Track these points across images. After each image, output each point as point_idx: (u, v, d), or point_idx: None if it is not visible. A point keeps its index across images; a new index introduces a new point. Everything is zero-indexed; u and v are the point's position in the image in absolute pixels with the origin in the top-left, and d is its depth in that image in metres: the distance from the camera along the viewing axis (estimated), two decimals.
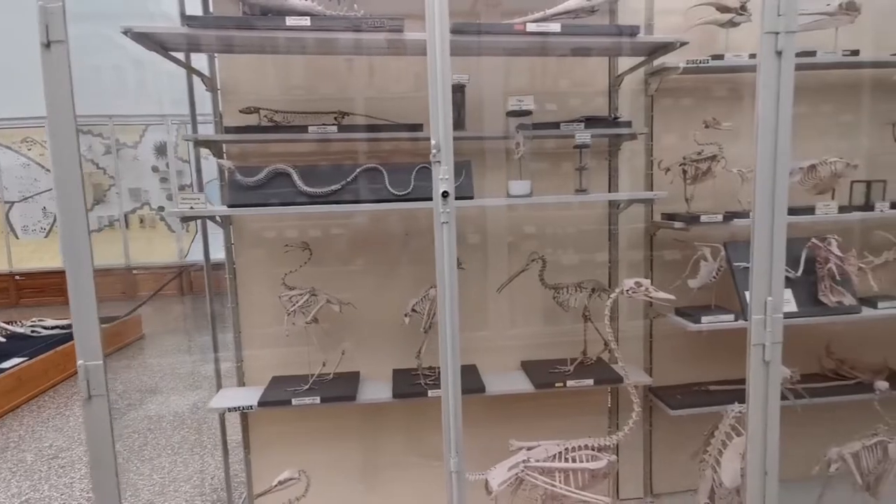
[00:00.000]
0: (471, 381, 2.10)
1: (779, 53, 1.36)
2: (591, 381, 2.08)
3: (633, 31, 1.72)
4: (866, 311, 2.09)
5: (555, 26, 1.62)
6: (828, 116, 2.33)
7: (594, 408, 2.40)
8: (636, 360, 2.36)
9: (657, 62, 2.10)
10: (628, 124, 2.07)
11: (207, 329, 2.20)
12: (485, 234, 2.24)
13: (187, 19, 1.55)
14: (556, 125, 2.02)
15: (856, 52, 2.10)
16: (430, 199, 1.83)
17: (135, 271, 7.64)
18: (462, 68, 2.04)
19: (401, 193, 1.81)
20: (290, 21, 1.52)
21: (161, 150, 7.68)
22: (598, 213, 2.30)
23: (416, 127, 1.96)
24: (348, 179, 1.80)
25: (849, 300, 2.01)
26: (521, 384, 2.10)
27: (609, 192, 2.28)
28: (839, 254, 1.98)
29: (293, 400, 1.95)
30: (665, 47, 1.83)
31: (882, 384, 1.91)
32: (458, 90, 1.99)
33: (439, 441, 2.25)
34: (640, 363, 2.37)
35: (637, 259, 2.32)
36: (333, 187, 1.78)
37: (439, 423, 2.20)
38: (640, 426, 2.39)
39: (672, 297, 1.85)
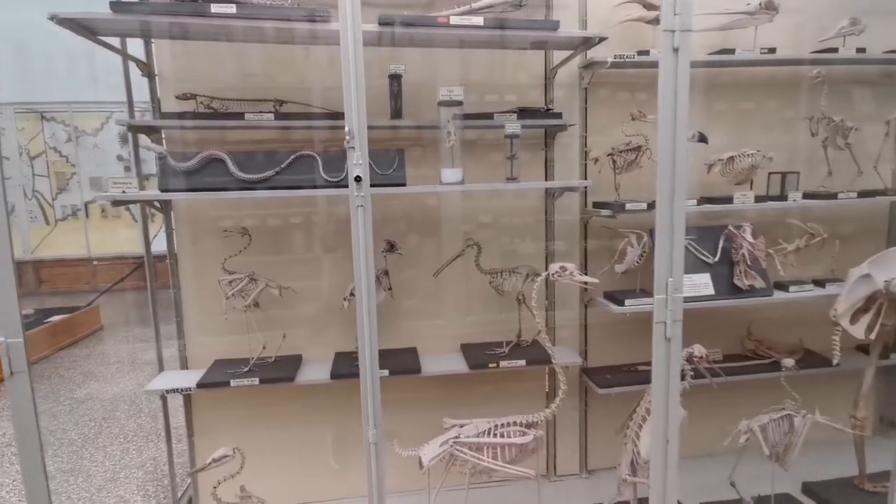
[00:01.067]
0: (409, 362, 2.18)
1: (675, 50, 1.46)
2: (523, 362, 2.17)
3: (553, 26, 1.80)
4: (778, 295, 2.24)
5: (477, 20, 1.69)
6: (749, 111, 2.46)
7: (534, 388, 2.50)
8: (572, 342, 2.48)
9: (589, 56, 2.20)
10: (559, 116, 2.16)
11: (164, 317, 2.23)
12: (425, 221, 2.31)
13: (113, 5, 1.57)
14: (491, 115, 2.09)
15: (773, 50, 2.22)
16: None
17: (95, 262, 7.51)
18: (402, 59, 2.10)
19: (334, 180, 1.86)
20: (216, 8, 1.55)
21: (125, 138, 7.53)
22: (534, 201, 2.39)
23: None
24: (282, 166, 1.84)
25: (760, 284, 2.14)
26: (457, 365, 2.19)
27: (546, 180, 2.37)
28: (751, 240, 2.11)
29: (232, 381, 2.00)
30: (586, 42, 1.92)
31: (788, 362, 2.05)
32: (395, 80, 2.05)
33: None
34: (576, 345, 2.48)
35: (572, 245, 2.43)
36: (268, 173, 1.82)
37: None
38: (576, 405, 2.52)
39: (595, 280, 1.95)
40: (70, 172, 7.74)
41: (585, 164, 2.36)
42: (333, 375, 2.06)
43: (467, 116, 2.09)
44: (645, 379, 2.26)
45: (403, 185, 1.92)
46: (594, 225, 2.39)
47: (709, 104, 2.44)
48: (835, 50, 2.26)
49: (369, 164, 1.88)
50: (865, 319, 2.04)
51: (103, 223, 7.75)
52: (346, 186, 1.87)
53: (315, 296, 2.26)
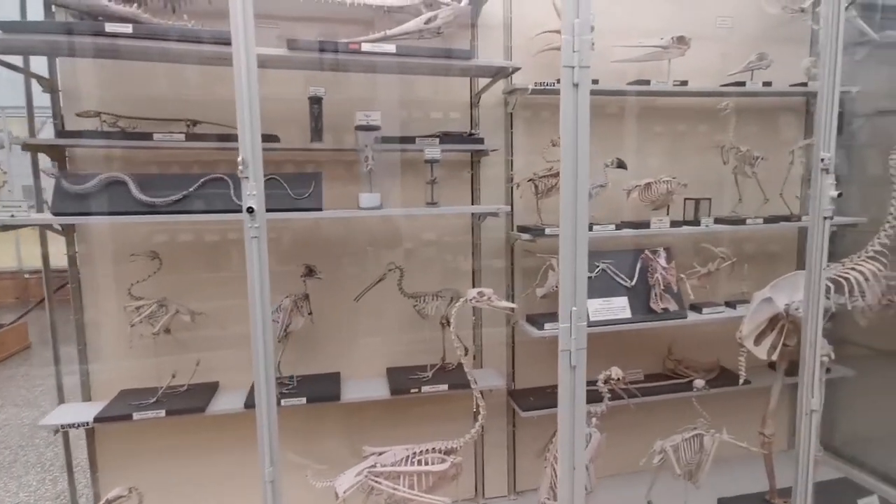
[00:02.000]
0: (328, 388, 2.13)
1: (575, 85, 1.50)
2: (445, 387, 2.17)
3: (466, 55, 1.83)
4: (692, 317, 2.32)
5: (389, 47, 1.69)
6: (669, 139, 2.56)
7: (463, 410, 2.49)
8: (500, 363, 2.49)
9: (514, 82, 2.24)
10: (481, 141, 2.18)
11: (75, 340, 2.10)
12: (349, 243, 2.28)
13: (2, 24, 1.49)
14: (413, 139, 2.09)
15: (685, 83, 2.32)
16: (278, 209, 1.86)
17: (27, 275, 7.08)
18: (325, 81, 2.08)
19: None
20: (111, 28, 1.50)
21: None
22: (461, 223, 2.40)
23: (271, 138, 1.97)
24: (191, 189, 1.78)
25: (674, 307, 2.22)
26: (379, 391, 2.15)
27: (472, 203, 2.39)
28: (664, 265, 2.18)
29: (135, 414, 1.90)
30: (503, 71, 1.95)
31: (699, 383, 2.12)
32: (316, 102, 2.02)
33: (289, 452, 2.26)
34: (504, 366, 2.49)
35: (499, 268, 2.45)
36: (174, 197, 1.76)
37: (292, 434, 2.22)
38: (503, 427, 2.53)
39: (513, 305, 1.97)
40: (2, 181, 7.30)
41: (511, 188, 2.39)
42: (248, 405, 1.99)
43: (390, 140, 2.09)
44: None
45: (320, 209, 1.89)
46: (520, 247, 2.42)
47: (631, 131, 2.53)
48: (742, 83, 2.39)
49: (285, 188, 1.85)
50: (769, 341, 2.13)
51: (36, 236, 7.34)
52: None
53: (233, 320, 2.19)
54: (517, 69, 1.93)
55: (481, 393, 2.07)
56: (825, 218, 1.73)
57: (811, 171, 2.70)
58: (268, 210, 1.83)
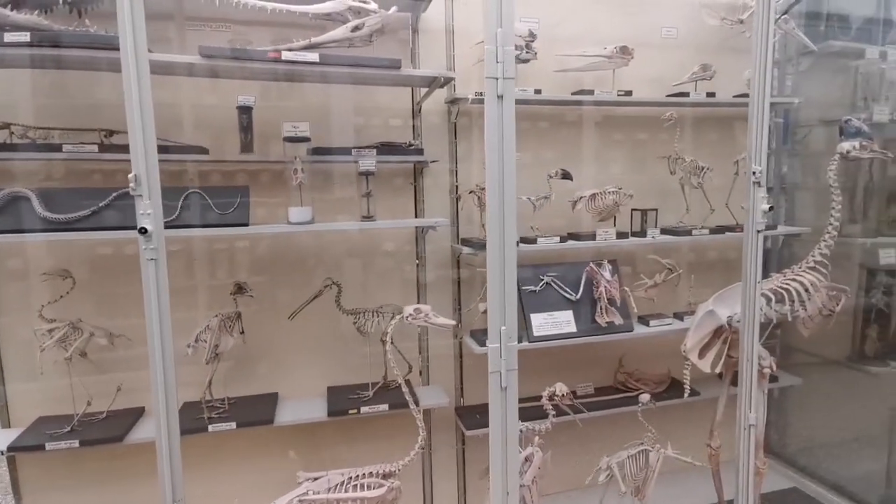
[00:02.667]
0: (262, 411, 2.03)
1: (500, 97, 1.45)
2: (385, 407, 2.09)
3: (395, 65, 1.77)
4: (640, 329, 2.29)
5: (312, 56, 1.61)
6: (615, 149, 2.53)
7: (406, 432, 2.41)
8: (447, 380, 2.42)
9: (458, 91, 2.19)
10: (420, 151, 2.12)
11: None
12: (287, 258, 2.19)
13: None
14: (349, 151, 2.02)
15: (629, 93, 2.30)
16: (199, 226, 1.76)
17: None
18: (259, 90, 1.99)
19: (166, 220, 1.71)
20: (9, 37, 1.39)
21: None
22: (405, 235, 2.33)
23: (199, 149, 1.88)
24: (101, 204, 1.67)
25: (619, 320, 2.18)
26: (317, 412, 2.06)
27: (416, 215, 2.32)
28: (608, 277, 2.15)
29: (48, 444, 1.77)
30: (434, 81, 1.90)
31: (644, 397, 2.09)
32: (245, 112, 1.93)
33: (216, 481, 2.16)
34: (451, 383, 2.42)
35: (445, 280, 2.38)
36: (82, 213, 1.65)
37: (219, 461, 2.12)
38: (453, 445, 2.46)
39: (451, 322, 1.91)
40: None
41: (457, 199, 2.33)
42: None
43: (325, 151, 2.01)
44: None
45: (245, 224, 1.80)
46: (466, 260, 2.36)
47: (579, 142, 2.50)
48: (686, 94, 2.38)
49: (208, 202, 1.75)
50: (713, 353, 2.11)
51: None
52: (177, 227, 1.75)
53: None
54: (451, 79, 1.88)
55: (426, 412, 2.00)
56: (758, 231, 1.71)
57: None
58: (188, 226, 1.76)
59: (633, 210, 2.40)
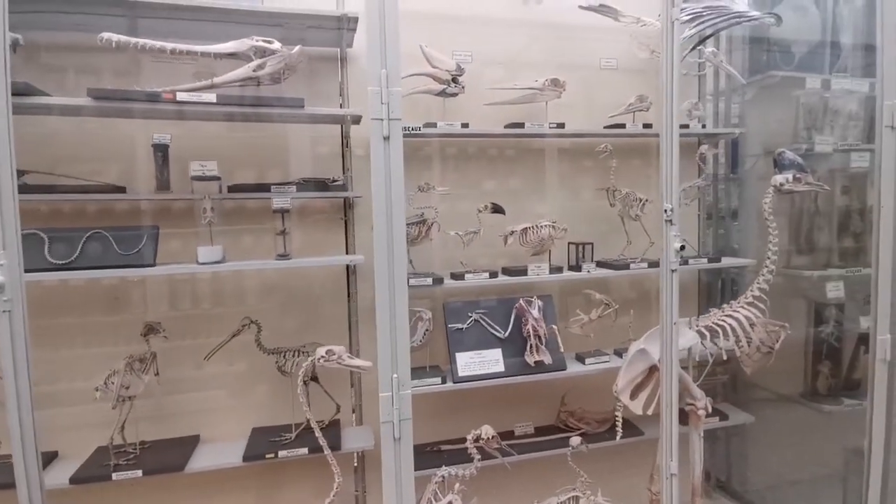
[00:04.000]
0: (176, 456, 1.96)
1: (386, 138, 1.42)
2: (305, 451, 2.01)
3: (298, 104, 1.75)
4: (574, 368, 2.21)
5: (209, 97, 1.60)
6: (554, 181, 2.49)
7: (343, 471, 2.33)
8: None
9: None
10: (342, 187, 2.09)
11: None
12: (209, 298, 2.14)
13: None
14: (268, 187, 1.99)
15: (562, 125, 2.27)
16: (97, 267, 1.72)
17: None
18: (178, 127, 1.97)
19: (61, 262, 1.68)
20: None
21: None
22: (337, 271, 2.29)
23: (115, 189, 1.86)
24: None
25: (549, 359, 2.11)
26: (234, 456, 1.99)
27: (346, 251, 2.28)
28: (535, 315, 2.08)
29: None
30: (343, 118, 1.88)
31: (574, 440, 2.00)
32: (160, 150, 1.92)
33: None
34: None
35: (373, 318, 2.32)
36: None
37: None
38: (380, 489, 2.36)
39: (367, 363, 1.85)
40: None
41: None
42: (73, 480, 1.81)
43: (243, 188, 1.98)
44: (445, 461, 2.16)
45: (151, 265, 1.76)
46: None
47: (516, 174, 2.46)
48: (623, 125, 2.35)
49: (111, 243, 1.71)
50: (645, 393, 2.03)
51: None
52: (77, 269, 1.71)
53: (67, 376, 2.02)
54: (359, 116, 1.85)
55: (360, 453, 1.91)
56: (672, 270, 1.65)
57: (700, 212, 2.68)
58: (86, 268, 1.72)
59: (569, 243, 2.35)
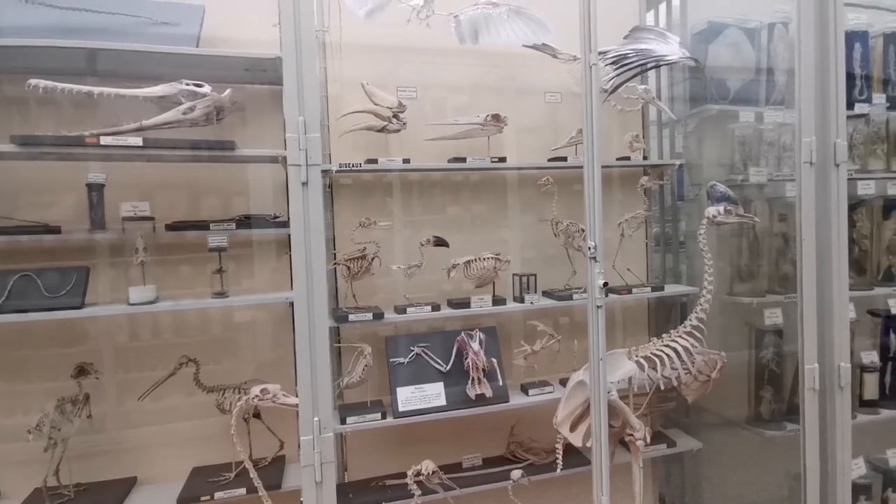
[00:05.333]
0: (108, 499, 1.92)
1: (304, 184, 1.44)
2: (243, 491, 1.98)
3: (228, 146, 1.76)
4: (518, 399, 2.22)
5: (135, 140, 1.61)
6: (498, 213, 2.53)
7: None
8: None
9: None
10: (284, 224, 2.10)
11: None
12: (149, 337, 2.12)
13: None
14: (207, 225, 1.99)
15: (503, 159, 2.32)
16: (22, 310, 1.70)
17: None
18: (112, 168, 1.97)
19: None
20: None
21: None
22: (283, 307, 2.28)
23: (49, 229, 1.85)
24: None
25: (490, 392, 2.12)
26: (167, 499, 1.95)
27: (291, 286, 2.27)
28: (475, 348, 2.10)
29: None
30: (274, 159, 1.90)
31: (515, 474, 2.00)
32: (95, 189, 1.91)
33: None
34: (336, 457, 2.31)
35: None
36: None
37: None
38: None
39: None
40: None
41: (336, 269, 2.30)
42: None
43: (181, 227, 1.98)
44: (388, 497, 2.15)
45: (78, 307, 1.74)
46: (347, 331, 2.30)
47: (461, 208, 2.49)
48: (564, 158, 2.40)
49: (38, 285, 1.69)
50: (585, 425, 2.05)
51: None
52: None
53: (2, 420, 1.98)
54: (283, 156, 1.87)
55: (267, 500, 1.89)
56: (597, 307, 1.68)
57: (648, 241, 2.73)
58: (10, 311, 1.70)
59: (514, 275, 2.38)
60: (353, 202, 2.35)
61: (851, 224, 2.70)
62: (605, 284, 1.66)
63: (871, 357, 2.55)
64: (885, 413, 2.51)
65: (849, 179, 2.60)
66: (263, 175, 2.24)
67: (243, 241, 2.19)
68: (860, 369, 2.56)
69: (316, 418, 1.45)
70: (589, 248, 1.68)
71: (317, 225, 1.44)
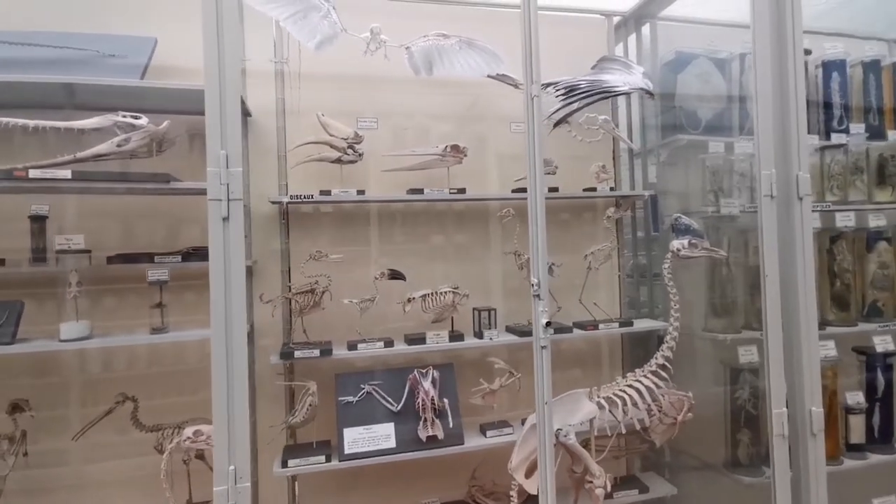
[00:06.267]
0: None
1: (225, 219, 1.39)
2: None
3: (163, 179, 1.73)
4: (474, 441, 2.11)
5: (64, 173, 1.58)
6: (460, 245, 2.47)
7: None
8: (278, 499, 2.21)
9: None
10: None
11: None
12: (92, 368, 2.06)
13: None
14: (152, 257, 1.94)
15: (462, 190, 2.27)
16: None
17: None
18: (58, 199, 1.94)
19: None
20: None
21: None
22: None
23: None
24: None
25: (441, 434, 2.01)
26: None
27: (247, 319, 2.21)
28: (426, 387, 2.01)
29: None
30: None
31: None
32: (38, 221, 1.88)
33: None
34: (283, 500, 2.21)
35: (279, 389, 2.23)
36: None
37: None
38: None
39: None
40: None
41: (290, 301, 2.23)
42: None
43: (124, 259, 1.93)
44: None
45: (9, 343, 1.69)
46: (302, 367, 2.22)
47: (420, 240, 2.43)
48: (524, 189, 2.33)
49: None
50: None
51: None
52: None
53: None
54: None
55: None
56: (542, 347, 1.60)
57: (620, 273, 2.64)
58: None
59: (473, 309, 2.30)
60: (311, 233, 2.30)
61: (832, 257, 2.61)
62: (549, 324, 1.58)
63: (856, 398, 2.42)
64: (874, 458, 2.36)
65: (827, 211, 2.55)
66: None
67: (194, 273, 2.14)
68: (845, 411, 2.42)
69: (231, 467, 1.36)
70: (532, 286, 1.60)
71: (237, 262, 1.39)
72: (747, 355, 2.29)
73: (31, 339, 1.76)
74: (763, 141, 1.83)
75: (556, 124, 1.72)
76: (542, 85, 2.09)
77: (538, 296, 1.59)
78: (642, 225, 2.73)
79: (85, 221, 2.00)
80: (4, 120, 1.60)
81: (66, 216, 1.96)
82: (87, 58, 1.84)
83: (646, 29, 2.72)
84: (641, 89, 1.79)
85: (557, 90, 1.78)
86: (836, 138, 2.59)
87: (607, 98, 1.90)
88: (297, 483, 2.22)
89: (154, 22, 2.12)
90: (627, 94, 1.85)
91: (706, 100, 2.55)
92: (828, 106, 2.69)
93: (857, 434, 2.39)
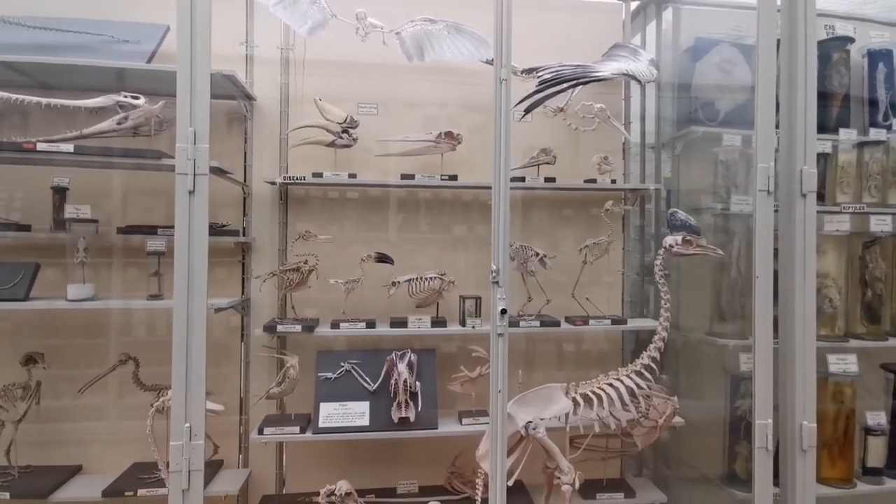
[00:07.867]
0: (47, 483, 2.02)
1: (191, 192, 1.47)
2: (166, 490, 2.02)
3: (156, 155, 1.85)
4: (448, 427, 2.12)
5: (67, 147, 1.73)
6: (451, 232, 2.46)
7: None
8: (266, 465, 2.32)
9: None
10: (233, 233, 2.17)
11: None
12: (99, 331, 2.24)
13: None
14: (155, 230, 2.09)
15: (454, 177, 2.26)
16: None
17: None
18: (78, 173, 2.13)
19: None
20: None
21: None
22: (229, 313, 2.33)
23: (20, 227, 2.03)
24: None
25: (413, 416, 2.03)
26: (98, 490, 2.03)
27: (242, 293, 2.33)
28: (401, 369, 2.03)
29: None
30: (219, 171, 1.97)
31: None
32: (59, 192, 2.08)
33: None
34: (272, 468, 2.32)
35: (271, 363, 2.33)
36: None
37: None
38: None
39: (220, 408, 1.86)
40: None
41: (282, 277, 2.33)
42: None
43: (132, 230, 2.09)
44: None
45: (22, 300, 1.88)
46: (292, 340, 2.31)
47: (412, 225, 2.45)
48: (522, 179, 2.29)
49: None
50: (509, 462, 1.91)
51: None
52: None
53: None
54: (226, 172, 1.93)
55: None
56: (499, 335, 1.58)
57: (624, 270, 2.54)
58: None
59: (460, 297, 2.29)
60: (309, 215, 2.38)
61: (864, 265, 2.39)
62: (504, 311, 1.56)
63: (877, 418, 2.21)
64: (892, 484, 2.15)
65: (861, 213, 2.33)
66: (215, 185, 2.32)
67: None
68: (865, 431, 2.22)
69: (187, 424, 1.45)
70: (492, 272, 1.58)
71: (200, 233, 1.47)
72: (749, 363, 2.14)
73: (42, 298, 1.94)
74: (762, 132, 1.70)
75: (529, 110, 1.68)
76: (525, 70, 2.05)
77: (497, 282, 1.57)
78: (653, 221, 2.61)
79: (94, 198, 2.18)
80: (22, 97, 1.77)
81: (80, 192, 2.14)
82: (101, 43, 1.99)
83: (668, 14, 2.58)
84: (625, 75, 1.71)
85: (539, 75, 1.74)
86: (874, 134, 2.35)
87: (587, 84, 1.82)
88: (284, 455, 2.33)
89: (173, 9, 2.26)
90: (608, 79, 1.77)
91: (726, 89, 2.38)
92: (872, 100, 2.45)
93: (876, 457, 2.18)
